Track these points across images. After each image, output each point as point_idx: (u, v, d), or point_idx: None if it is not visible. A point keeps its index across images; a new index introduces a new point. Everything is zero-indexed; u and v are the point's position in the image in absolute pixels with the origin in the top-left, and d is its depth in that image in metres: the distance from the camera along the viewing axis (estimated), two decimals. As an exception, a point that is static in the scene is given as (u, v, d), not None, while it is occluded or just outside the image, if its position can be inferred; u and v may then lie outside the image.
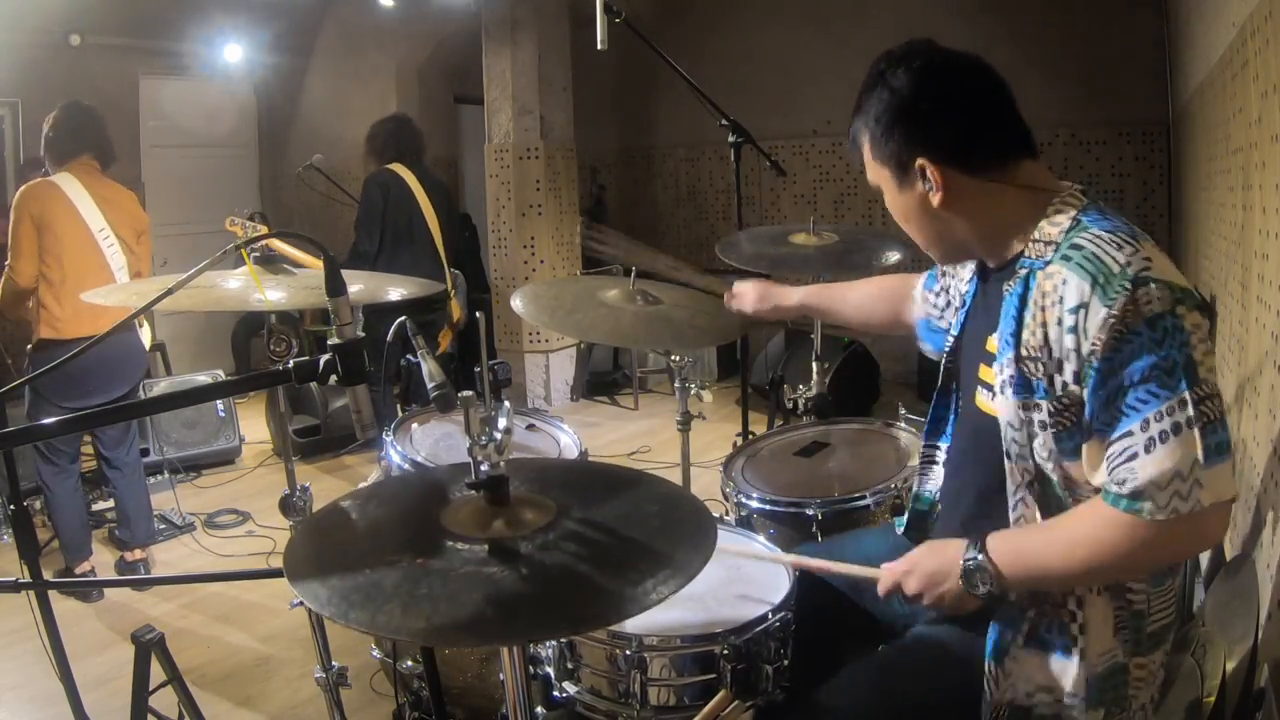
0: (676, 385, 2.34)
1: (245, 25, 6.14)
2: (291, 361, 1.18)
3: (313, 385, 1.22)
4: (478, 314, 1.39)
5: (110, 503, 3.75)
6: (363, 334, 1.21)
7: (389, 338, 1.69)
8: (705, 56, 5.96)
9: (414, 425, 2.36)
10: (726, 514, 2.12)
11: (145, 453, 4.21)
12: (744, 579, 1.71)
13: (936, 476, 1.55)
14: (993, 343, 1.28)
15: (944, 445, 1.54)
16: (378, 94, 6.61)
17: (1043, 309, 1.18)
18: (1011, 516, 1.27)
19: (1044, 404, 1.19)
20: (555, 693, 1.62)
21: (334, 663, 2.04)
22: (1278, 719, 1.30)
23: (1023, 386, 1.21)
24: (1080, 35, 5.21)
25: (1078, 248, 1.16)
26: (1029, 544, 1.23)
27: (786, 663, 1.56)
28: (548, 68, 5.60)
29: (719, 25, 6.58)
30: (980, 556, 1.22)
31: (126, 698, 1.73)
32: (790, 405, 2.75)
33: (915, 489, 1.58)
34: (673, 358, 2.34)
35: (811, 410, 2.68)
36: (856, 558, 1.49)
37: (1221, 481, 1.08)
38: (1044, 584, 1.24)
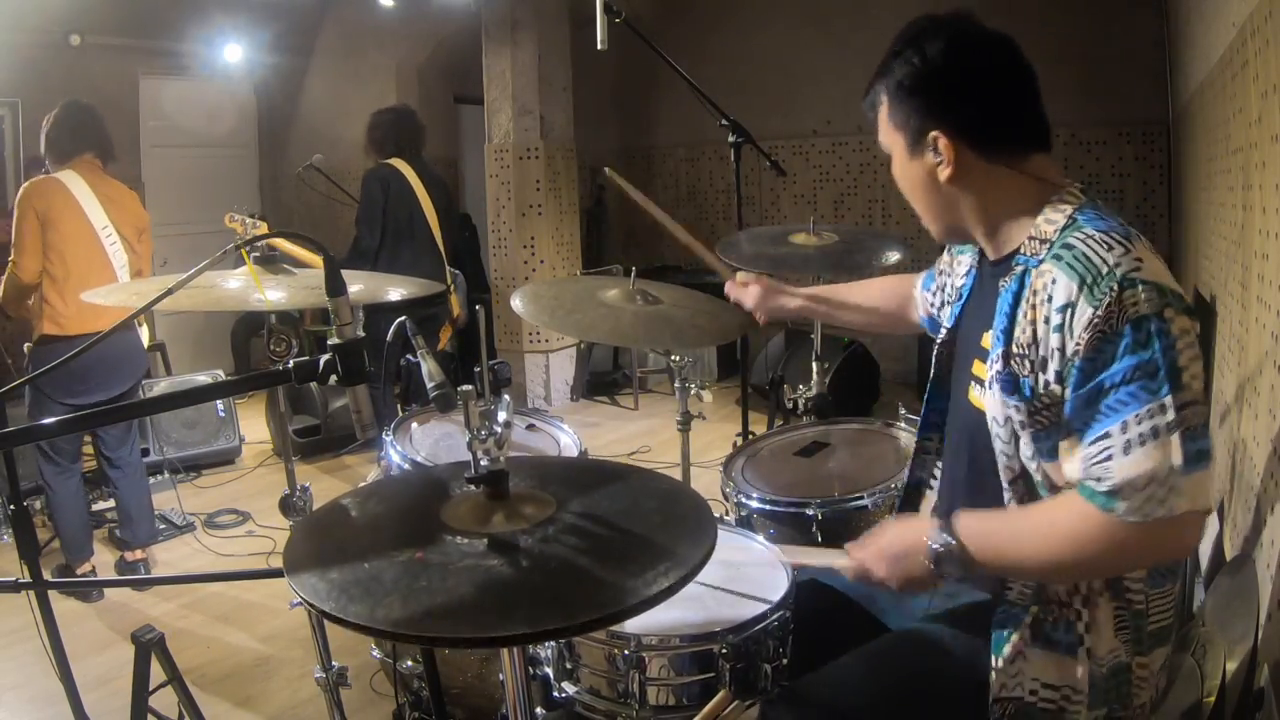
0: (676, 385, 2.34)
1: (245, 25, 6.15)
2: (291, 361, 1.18)
3: (313, 385, 1.22)
4: (477, 308, 1.39)
5: (111, 503, 3.75)
6: (363, 334, 1.21)
7: (389, 337, 1.69)
8: (705, 56, 5.95)
9: (414, 425, 2.36)
10: (726, 514, 2.12)
11: (145, 453, 4.22)
12: (742, 578, 1.70)
13: (930, 467, 1.56)
14: (987, 339, 1.29)
15: (937, 437, 1.55)
16: (377, 94, 6.60)
17: (1033, 307, 1.18)
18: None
19: (1023, 405, 1.19)
20: (555, 693, 1.62)
21: (334, 663, 2.04)
22: (1278, 719, 1.30)
23: (1010, 384, 1.21)
24: (1080, 35, 5.21)
25: (1069, 247, 1.15)
26: (1001, 528, 1.23)
27: (785, 662, 1.56)
28: (548, 68, 5.60)
29: (719, 25, 6.58)
30: (950, 539, 1.21)
31: (126, 698, 1.73)
32: (790, 405, 2.75)
33: (906, 479, 1.60)
34: (673, 357, 2.34)
35: (811, 410, 2.69)
36: None
37: (1199, 489, 1.07)
38: (1011, 570, 1.23)
